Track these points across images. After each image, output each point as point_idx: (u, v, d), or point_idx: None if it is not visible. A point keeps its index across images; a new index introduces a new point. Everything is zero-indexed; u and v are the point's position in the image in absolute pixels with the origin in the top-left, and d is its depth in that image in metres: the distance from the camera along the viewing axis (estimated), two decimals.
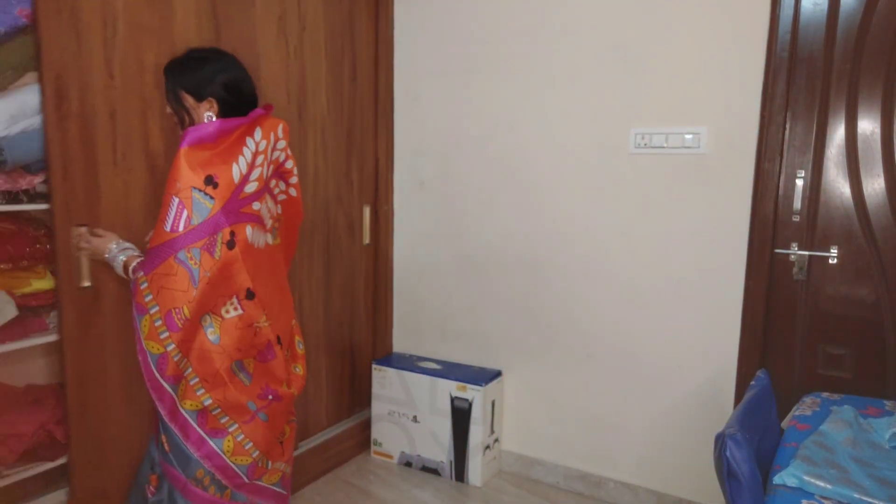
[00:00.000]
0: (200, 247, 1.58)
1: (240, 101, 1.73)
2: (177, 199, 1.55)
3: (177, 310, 1.58)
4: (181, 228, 1.56)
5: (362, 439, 3.00)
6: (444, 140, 2.84)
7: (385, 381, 2.89)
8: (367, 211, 2.97)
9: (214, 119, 1.68)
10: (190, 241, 1.57)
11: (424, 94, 2.87)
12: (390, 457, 2.93)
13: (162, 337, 1.60)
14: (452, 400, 2.73)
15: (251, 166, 1.66)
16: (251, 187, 1.67)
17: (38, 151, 1.73)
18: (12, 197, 1.73)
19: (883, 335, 2.13)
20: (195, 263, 1.58)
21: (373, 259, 3.05)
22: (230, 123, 1.64)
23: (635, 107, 2.40)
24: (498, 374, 2.78)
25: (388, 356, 3.04)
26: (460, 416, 2.72)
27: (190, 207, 1.55)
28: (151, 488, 1.76)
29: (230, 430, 1.71)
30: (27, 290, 1.79)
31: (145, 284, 1.60)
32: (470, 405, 2.69)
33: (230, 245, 1.61)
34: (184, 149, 1.57)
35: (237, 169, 1.62)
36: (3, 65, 1.64)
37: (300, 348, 1.95)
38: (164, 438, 1.71)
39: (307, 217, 2.61)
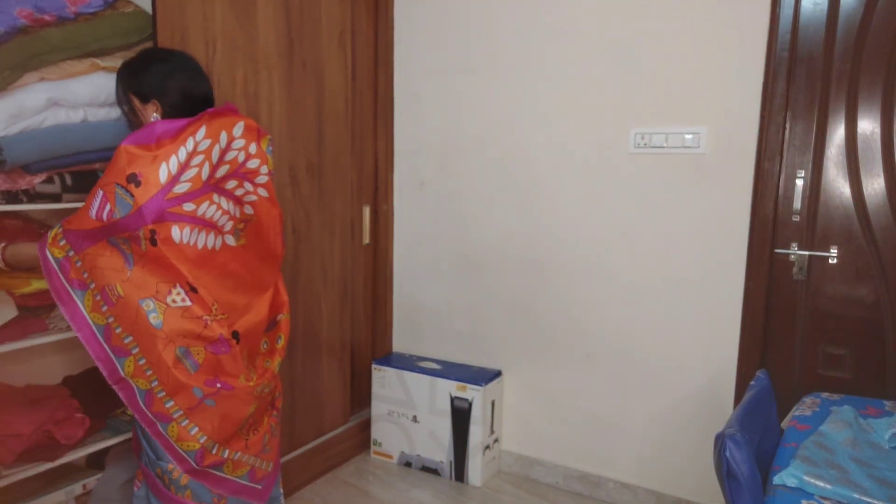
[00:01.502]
0: (126, 237, 1.62)
1: (187, 102, 1.72)
2: (101, 192, 1.59)
3: (109, 287, 1.63)
4: (105, 219, 1.59)
5: (362, 439, 3.00)
6: (443, 140, 2.84)
7: (385, 380, 2.89)
8: (366, 211, 2.97)
9: (160, 119, 1.69)
10: (115, 232, 1.61)
11: (424, 94, 2.87)
12: (390, 457, 2.93)
13: (103, 310, 1.64)
14: (452, 400, 2.73)
15: (183, 167, 1.63)
16: (181, 188, 1.64)
17: (37, 151, 1.73)
18: (12, 196, 1.73)
19: (883, 335, 2.13)
20: (127, 248, 1.63)
21: (372, 259, 3.05)
22: (172, 125, 1.62)
23: (635, 106, 2.40)
24: (498, 374, 2.78)
25: (388, 356, 3.04)
26: (460, 416, 2.72)
27: (113, 202, 1.58)
28: (137, 482, 1.79)
29: (174, 416, 1.70)
30: (27, 290, 1.79)
31: (80, 263, 1.65)
32: (470, 405, 2.69)
33: (153, 242, 1.63)
34: (123, 145, 1.59)
35: (165, 169, 1.60)
36: (2, 65, 1.64)
37: (279, 343, 1.94)
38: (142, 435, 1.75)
39: (308, 216, 2.61)
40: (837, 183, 2.16)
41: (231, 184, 1.77)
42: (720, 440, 1.48)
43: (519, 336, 2.76)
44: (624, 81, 2.40)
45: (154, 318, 1.65)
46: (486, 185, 2.75)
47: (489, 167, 2.73)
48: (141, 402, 1.68)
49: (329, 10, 2.62)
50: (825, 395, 2.01)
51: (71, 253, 1.65)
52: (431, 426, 2.80)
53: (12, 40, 1.67)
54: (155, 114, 1.70)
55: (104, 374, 1.68)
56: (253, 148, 1.78)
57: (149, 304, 1.65)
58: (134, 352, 1.66)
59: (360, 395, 3.03)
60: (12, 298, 1.75)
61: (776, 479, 1.51)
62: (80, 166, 1.86)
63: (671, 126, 2.34)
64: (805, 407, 1.92)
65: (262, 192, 1.85)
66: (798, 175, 2.21)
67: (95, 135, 1.87)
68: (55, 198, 1.81)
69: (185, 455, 1.72)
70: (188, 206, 1.66)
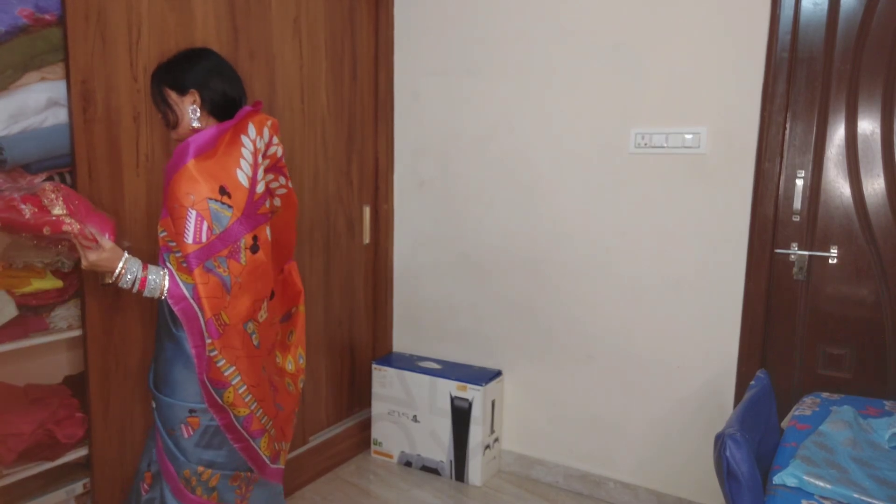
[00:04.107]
0: (225, 255, 1.58)
1: (224, 97, 1.72)
2: (194, 212, 1.55)
3: (216, 316, 1.59)
4: (204, 239, 1.55)
5: (362, 439, 3.01)
6: (444, 140, 2.84)
7: (385, 380, 2.90)
8: (367, 210, 2.97)
9: (198, 111, 1.68)
10: (214, 250, 1.57)
11: (424, 94, 2.87)
12: (390, 456, 2.93)
13: (207, 342, 1.61)
14: (452, 400, 2.73)
15: (255, 166, 1.66)
16: (261, 187, 1.68)
17: (38, 151, 1.73)
18: None
19: (883, 335, 2.13)
20: (224, 271, 1.58)
21: (373, 259, 3.05)
22: (224, 127, 1.62)
23: (635, 107, 2.40)
24: (498, 373, 2.79)
25: (388, 356, 3.04)
26: (460, 415, 2.72)
27: (209, 218, 1.55)
28: (145, 486, 1.77)
29: (266, 427, 1.75)
30: (27, 289, 1.78)
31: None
32: (470, 405, 2.69)
33: (254, 249, 1.63)
34: (191, 162, 1.56)
35: (242, 174, 1.62)
36: (4, 64, 1.64)
37: (290, 338, 1.99)
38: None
39: (307, 215, 2.61)
40: (837, 183, 2.16)
41: (268, 177, 1.81)
42: (720, 440, 1.48)
43: (519, 336, 2.76)
44: (624, 81, 2.41)
45: (255, 339, 1.67)
46: (487, 184, 2.75)
47: (490, 167, 2.74)
48: (239, 426, 1.69)
49: None
50: (825, 394, 2.01)
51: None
52: (432, 426, 2.80)
53: (13, 40, 1.67)
54: (192, 105, 1.68)
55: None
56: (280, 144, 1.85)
57: (249, 326, 1.65)
58: (234, 382, 1.64)
59: (360, 395, 3.04)
60: (13, 298, 1.75)
61: (776, 479, 1.51)
62: None
63: (671, 126, 2.34)
64: (805, 407, 1.92)
65: (290, 184, 1.92)
66: (798, 175, 2.21)
67: None
68: None
69: (265, 459, 1.78)
70: (268, 204, 1.72)
